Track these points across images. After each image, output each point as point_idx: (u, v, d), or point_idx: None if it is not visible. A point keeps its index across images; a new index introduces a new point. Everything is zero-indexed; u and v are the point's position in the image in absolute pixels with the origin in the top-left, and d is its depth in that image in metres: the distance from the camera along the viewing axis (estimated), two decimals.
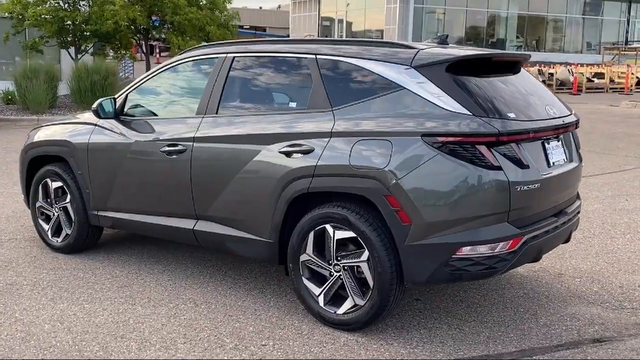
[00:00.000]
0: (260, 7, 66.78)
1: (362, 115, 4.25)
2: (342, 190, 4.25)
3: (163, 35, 22.56)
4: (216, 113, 4.96)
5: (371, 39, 4.36)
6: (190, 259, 5.92)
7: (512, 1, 41.87)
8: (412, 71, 4.17)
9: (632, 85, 29.83)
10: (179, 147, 5.01)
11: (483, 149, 3.89)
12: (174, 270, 5.62)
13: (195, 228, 5.06)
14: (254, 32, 50.03)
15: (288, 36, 46.85)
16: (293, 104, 4.66)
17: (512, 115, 4.04)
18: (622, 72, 30.75)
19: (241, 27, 39.92)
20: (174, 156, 5.04)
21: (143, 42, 22.47)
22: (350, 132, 4.21)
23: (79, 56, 20.50)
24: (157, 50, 42.41)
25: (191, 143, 4.96)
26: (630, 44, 43.12)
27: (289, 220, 4.59)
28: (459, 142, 3.91)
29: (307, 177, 4.34)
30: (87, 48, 20.98)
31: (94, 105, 5.37)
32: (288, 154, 4.44)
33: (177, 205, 5.15)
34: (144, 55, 22.44)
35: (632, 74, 30.10)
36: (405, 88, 4.15)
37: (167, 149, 5.07)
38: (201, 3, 21.95)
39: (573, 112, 4.66)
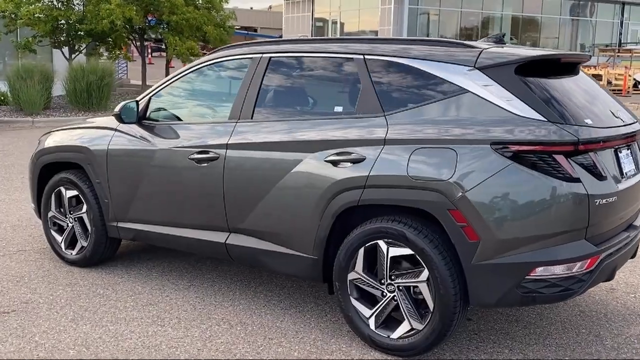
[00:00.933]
0: (252, 8, 66.30)
1: (419, 121, 3.89)
2: (399, 204, 3.88)
3: (160, 36, 22.06)
4: (251, 118, 4.57)
5: (426, 38, 3.99)
6: (215, 272, 5.53)
7: (506, 2, 41.69)
8: (477, 73, 3.81)
9: (629, 88, 29.65)
10: (211, 155, 4.62)
11: (561, 159, 3.53)
12: (199, 285, 5.23)
13: (227, 242, 4.67)
14: (245, 32, 49.58)
15: (281, 37, 46.46)
16: (338, 109, 4.28)
17: (589, 121, 3.69)
18: (619, 74, 30.56)
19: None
20: (205, 164, 4.65)
21: (139, 42, 21.97)
22: (407, 140, 3.85)
23: (73, 56, 19.98)
24: (149, 51, 41.80)
25: (224, 150, 4.58)
26: (624, 46, 43.04)
27: (335, 234, 4.20)
28: (534, 151, 3.55)
29: (357, 189, 3.97)
30: (81, 48, 20.47)
31: (117, 109, 4.97)
32: (335, 163, 4.07)
33: (208, 217, 4.76)
34: (140, 56, 21.94)
35: (630, 75, 29.92)
36: (469, 91, 3.79)
37: (196, 156, 4.68)
38: (198, 3, 21.48)
39: (638, 119, 4.32)
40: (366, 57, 4.22)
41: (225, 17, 22.72)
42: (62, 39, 19.98)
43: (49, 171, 5.82)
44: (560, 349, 4.20)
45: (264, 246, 4.53)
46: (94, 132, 5.45)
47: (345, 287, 4.16)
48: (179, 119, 5.25)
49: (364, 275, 4.07)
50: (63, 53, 19.92)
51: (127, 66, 26.09)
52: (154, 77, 22.59)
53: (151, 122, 5.15)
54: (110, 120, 5.47)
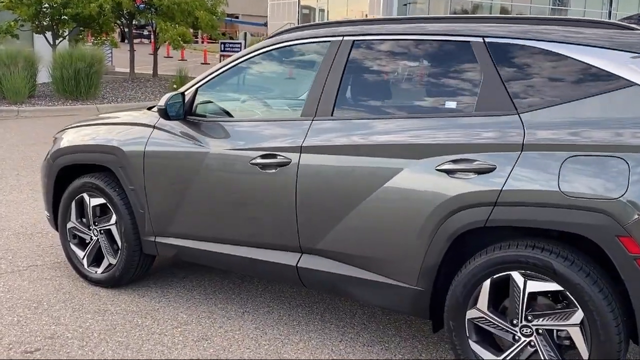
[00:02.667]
0: None
1: (569, 122, 3.07)
2: (545, 226, 3.06)
3: (150, 21, 20.98)
4: (331, 115, 3.72)
5: (565, 17, 3.20)
6: (268, 294, 4.72)
7: None
8: None
9: None
10: (279, 159, 3.76)
11: None
12: (254, 311, 4.41)
13: (299, 265, 3.82)
14: (230, 20, 48.38)
15: (266, 24, 45.38)
16: (451, 105, 3.44)
17: None
18: None
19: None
20: (271, 170, 3.79)
21: (126, 28, 20.89)
22: (557, 145, 3.03)
23: (57, 42, 18.84)
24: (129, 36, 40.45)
25: (297, 154, 3.72)
26: None
27: (445, 262, 3.36)
28: None
29: (484, 206, 3.15)
30: (65, 33, 19.32)
31: (162, 102, 4.08)
32: (451, 173, 3.24)
33: (274, 234, 3.91)
34: (128, 42, 20.86)
35: None
36: (635, 84, 2.95)
37: (260, 161, 3.82)
38: None
39: None
40: (487, 40, 3.38)
41: (217, 2, 21.68)
42: (45, 23, 18.80)
43: (68, 175, 4.88)
44: None
45: (348, 272, 3.70)
46: (126, 130, 4.55)
47: (462, 327, 3.34)
48: (232, 115, 4.37)
49: (489, 313, 3.26)
50: (46, 38, 18.77)
51: (112, 53, 24.91)
52: (138, 64, 21.51)
53: (198, 118, 4.28)
54: (144, 116, 4.58)
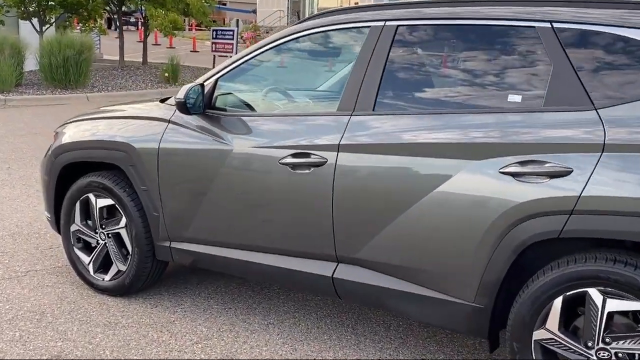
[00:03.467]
0: None
1: None
2: (632, 238, 2.65)
3: (140, 7, 20.42)
4: (373, 109, 3.31)
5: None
6: (292, 303, 4.40)
7: None
8: None
9: None
10: (314, 159, 3.36)
11: None
12: (280, 324, 4.08)
13: (335, 275, 3.42)
14: (218, 7, 47.63)
15: (254, 11, 44.76)
16: (514, 98, 3.05)
17: None
18: None
19: None
20: (304, 171, 3.39)
21: (115, 15, 20.32)
22: None
23: (44, 28, 18.25)
24: (117, 24, 39.76)
25: (334, 153, 3.31)
26: None
27: (507, 275, 2.98)
28: None
29: (559, 214, 2.78)
30: (52, 20, 18.73)
31: (181, 95, 3.65)
32: (518, 176, 2.86)
33: (306, 241, 3.52)
34: (117, 29, 20.29)
35: None
36: None
37: (291, 160, 3.41)
38: None
39: None
40: (556, 25, 2.97)
41: None
42: (31, 9, 18.20)
43: (72, 173, 4.44)
44: None
45: (392, 284, 3.31)
46: (138, 125, 4.13)
47: (528, 349, 2.98)
48: (256, 109, 3.97)
49: (560, 334, 2.88)
50: (33, 25, 18.16)
51: (99, 40, 24.29)
52: (127, 52, 20.94)
53: (219, 112, 3.87)
54: (157, 109, 4.16)
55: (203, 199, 3.84)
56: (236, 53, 19.53)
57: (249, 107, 4.02)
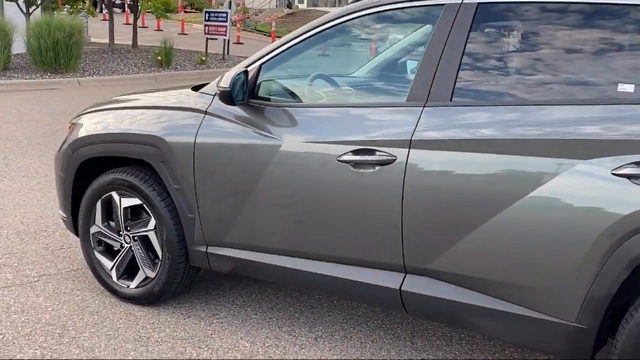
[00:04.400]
0: None
1: None
2: None
3: None
4: (450, 99, 2.88)
5: None
6: (338, 312, 4.02)
7: None
8: None
9: None
10: (380, 156, 2.95)
11: None
12: (330, 337, 3.70)
13: (403, 288, 3.00)
14: None
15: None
16: (626, 88, 2.63)
17: None
18: None
19: None
20: (368, 170, 2.98)
21: None
22: None
23: (30, 10, 17.59)
24: (103, 6, 38.87)
25: (405, 150, 2.90)
26: None
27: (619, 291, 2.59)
28: None
29: None
30: (38, 1, 18.07)
31: (225, 83, 3.22)
32: (634, 178, 2.47)
33: (369, 248, 3.13)
34: (107, 11, 19.65)
35: None
36: None
37: (352, 157, 2.99)
38: None
39: None
40: None
41: None
42: None
43: (92, 169, 3.99)
44: None
45: (474, 300, 2.93)
46: (170, 116, 3.68)
47: None
48: (307, 99, 3.55)
49: None
50: (19, 6, 17.49)
51: (87, 22, 23.58)
52: (115, 34, 20.29)
53: (263, 102, 3.42)
54: (190, 98, 3.72)
55: (247, 199, 3.41)
56: (229, 36, 19.00)
57: (296, 96, 3.60)
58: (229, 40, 19.16)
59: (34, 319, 3.76)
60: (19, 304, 3.95)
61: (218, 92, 3.30)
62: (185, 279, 3.87)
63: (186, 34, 29.00)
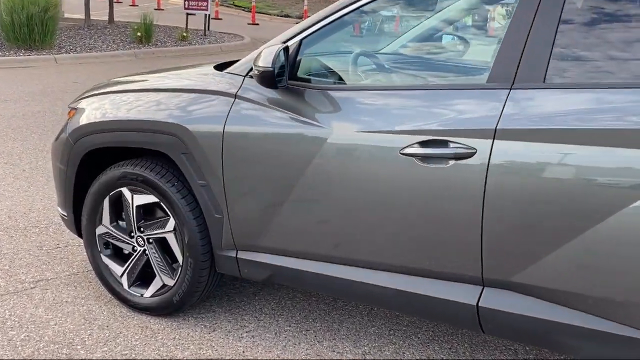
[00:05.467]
0: None
1: None
2: None
3: None
4: (543, 81, 2.37)
5: None
6: (380, 322, 3.55)
7: None
8: None
9: None
10: (456, 148, 2.49)
11: None
12: (379, 352, 3.27)
13: (481, 304, 2.53)
14: None
15: None
16: None
17: None
18: None
19: None
20: (440, 165, 2.51)
21: None
22: None
23: None
24: None
25: (488, 141, 2.43)
26: None
27: None
28: None
29: None
30: None
31: (265, 62, 2.72)
32: None
33: (439, 256, 2.68)
34: None
35: None
36: None
37: (419, 150, 2.52)
38: None
39: None
40: None
41: None
42: None
43: (97, 161, 3.45)
44: None
45: (570, 319, 2.46)
46: (192, 100, 3.14)
47: None
48: (358, 81, 3.02)
49: None
50: None
51: None
52: (93, 9, 19.45)
53: (305, 84, 2.90)
54: (215, 79, 3.20)
55: (287, 197, 2.90)
56: (210, 11, 18.26)
57: (344, 77, 3.09)
58: (209, 16, 18.43)
59: (36, 336, 3.24)
60: (16, 317, 3.41)
61: (256, 72, 2.78)
62: (209, 287, 3.37)
63: (162, 10, 28.11)
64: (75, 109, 3.61)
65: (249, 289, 3.82)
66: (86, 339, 3.24)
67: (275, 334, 3.34)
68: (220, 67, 3.35)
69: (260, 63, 2.76)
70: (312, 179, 2.84)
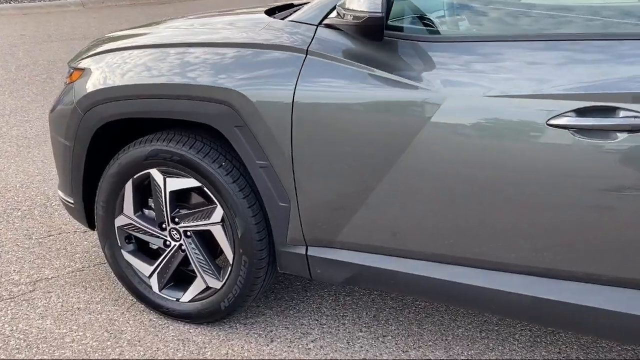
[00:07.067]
0: None
1: None
2: None
3: None
4: None
5: None
6: (479, 322, 2.89)
7: None
8: None
9: None
10: (629, 118, 1.83)
11: None
12: None
13: None
14: None
15: None
16: None
17: None
18: None
19: None
20: (604, 141, 1.98)
21: None
22: None
23: None
24: None
25: None
26: None
27: None
28: None
29: None
30: None
31: (365, 4, 2.03)
32: None
33: (605, 259, 2.03)
34: None
35: None
36: None
37: (573, 120, 2.01)
38: None
39: None
40: None
41: None
42: None
43: (110, 136, 2.74)
44: None
45: None
46: (246, 57, 2.47)
47: None
48: (462, 28, 2.39)
49: None
50: None
51: None
52: None
53: (405, 35, 2.23)
54: (272, 30, 2.58)
55: (381, 180, 2.24)
56: None
57: (454, 25, 2.43)
58: None
59: (45, 353, 2.53)
60: (20, 332, 2.72)
61: (352, 19, 2.10)
62: (262, 290, 2.71)
63: None
64: (81, 69, 2.84)
65: (296, 282, 3.19)
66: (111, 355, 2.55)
67: (348, 342, 2.73)
68: (275, 11, 2.63)
69: (360, 7, 2.08)
70: (420, 158, 2.20)
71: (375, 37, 2.14)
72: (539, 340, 2.78)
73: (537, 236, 2.13)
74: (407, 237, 2.32)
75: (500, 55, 2.16)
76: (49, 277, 3.20)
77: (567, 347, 2.73)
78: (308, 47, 2.36)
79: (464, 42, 2.22)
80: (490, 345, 2.74)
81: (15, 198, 4.13)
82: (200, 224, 2.67)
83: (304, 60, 2.35)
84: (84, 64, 2.86)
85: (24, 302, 2.99)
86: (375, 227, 2.38)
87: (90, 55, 2.87)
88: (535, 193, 2.08)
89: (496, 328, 2.86)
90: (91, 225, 2.99)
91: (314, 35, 2.37)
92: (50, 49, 9.05)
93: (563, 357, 2.65)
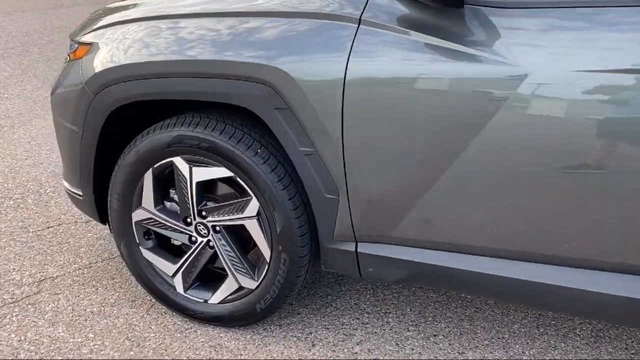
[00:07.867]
0: None
1: None
2: None
3: None
4: None
5: None
6: (538, 321, 2.65)
7: None
8: None
9: None
10: None
11: None
12: None
13: None
14: None
15: None
16: None
17: None
18: None
19: None
20: None
21: None
22: None
23: None
24: None
25: None
26: None
27: None
28: None
29: None
30: None
31: None
32: None
33: None
34: None
35: None
36: None
37: None
38: None
39: None
40: None
41: None
42: None
43: (124, 120, 2.43)
44: None
45: None
46: (289, 28, 2.18)
47: None
48: None
49: None
50: None
51: None
52: None
53: (483, 1, 1.91)
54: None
55: (448, 168, 1.96)
56: None
57: None
58: None
59: None
60: (29, 343, 2.40)
61: None
62: (299, 290, 2.42)
63: None
64: (88, 44, 2.49)
65: (327, 276, 2.90)
66: None
67: (397, 344, 2.46)
68: None
69: None
70: (497, 140, 1.92)
71: (454, 2, 1.82)
72: (601, 334, 2.54)
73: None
74: (481, 233, 2.04)
75: (595, 20, 1.86)
76: (54, 276, 2.88)
77: (633, 341, 2.49)
78: (361, 16, 2.05)
79: (556, 9, 1.91)
80: (552, 342, 2.49)
81: (5, 185, 3.78)
82: (232, 218, 2.37)
83: (357, 31, 2.05)
84: (91, 37, 2.52)
85: (29, 306, 2.67)
86: (440, 222, 2.09)
87: (99, 28, 2.53)
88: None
89: (553, 322, 2.61)
90: (103, 219, 2.67)
91: (367, 1, 2.05)
92: (22, 19, 8.55)
93: (632, 353, 2.40)
